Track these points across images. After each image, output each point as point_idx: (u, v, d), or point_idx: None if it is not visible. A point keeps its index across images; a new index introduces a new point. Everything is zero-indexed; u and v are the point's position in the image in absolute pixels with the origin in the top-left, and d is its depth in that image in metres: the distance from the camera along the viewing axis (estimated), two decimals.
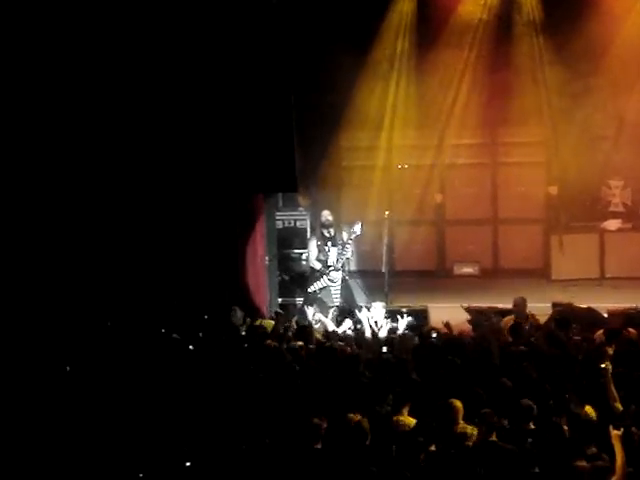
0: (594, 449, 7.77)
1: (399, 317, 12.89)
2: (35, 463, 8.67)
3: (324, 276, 14.70)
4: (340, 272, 14.68)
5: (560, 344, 10.51)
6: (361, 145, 18.92)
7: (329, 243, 14.70)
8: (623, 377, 9.22)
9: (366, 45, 17.88)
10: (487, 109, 18.17)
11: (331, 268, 14.65)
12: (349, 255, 14.86)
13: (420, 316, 14.12)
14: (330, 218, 14.88)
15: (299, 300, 15.78)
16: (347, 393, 9.28)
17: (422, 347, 10.96)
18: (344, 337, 12.01)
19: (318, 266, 14.74)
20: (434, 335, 11.63)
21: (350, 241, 14.60)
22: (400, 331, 12.41)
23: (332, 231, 14.81)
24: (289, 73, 14.96)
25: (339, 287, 14.67)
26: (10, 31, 13.25)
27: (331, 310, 14.38)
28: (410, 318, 12.88)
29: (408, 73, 18.42)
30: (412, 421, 8.67)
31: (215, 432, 8.86)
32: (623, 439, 7.70)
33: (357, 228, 14.52)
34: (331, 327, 12.86)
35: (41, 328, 12.43)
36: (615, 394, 8.78)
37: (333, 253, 14.67)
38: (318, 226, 15.05)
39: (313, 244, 14.92)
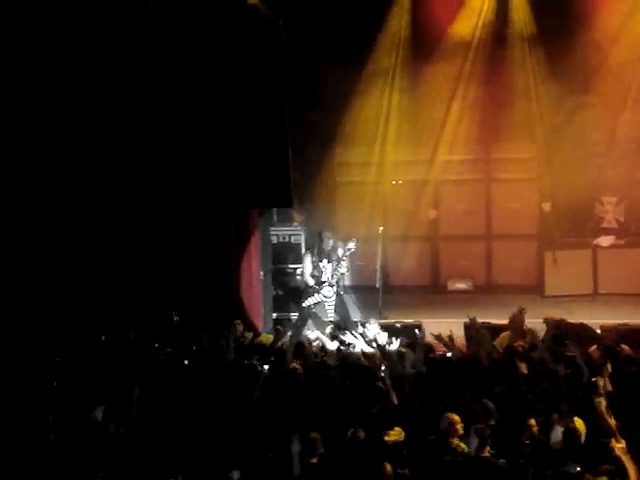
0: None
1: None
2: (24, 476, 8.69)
3: (319, 293, 14.69)
4: (334, 288, 14.69)
5: (568, 360, 10.54)
6: (355, 161, 18.99)
7: (324, 259, 14.71)
8: (620, 394, 9.29)
9: (360, 61, 17.96)
10: (481, 125, 18.26)
11: (325, 284, 14.65)
12: (344, 271, 14.85)
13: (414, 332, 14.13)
14: (331, 242, 14.84)
15: (293, 315, 15.82)
16: (347, 410, 9.33)
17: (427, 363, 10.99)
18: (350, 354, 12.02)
19: (312, 282, 14.74)
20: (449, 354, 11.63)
21: (345, 258, 14.61)
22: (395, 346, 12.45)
23: (328, 247, 14.81)
24: (284, 89, 15.00)
25: (333, 303, 14.67)
26: (10, 32, 13.23)
27: (326, 326, 14.39)
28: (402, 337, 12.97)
29: (402, 89, 18.49)
30: (401, 436, 8.72)
31: (208, 446, 8.86)
32: (629, 451, 7.77)
33: (352, 245, 14.53)
34: (329, 345, 12.89)
35: (34, 341, 12.42)
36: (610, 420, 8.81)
37: (328, 269, 14.68)
38: (316, 242, 14.99)
39: (308, 260, 14.91)
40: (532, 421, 8.65)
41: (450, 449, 8.32)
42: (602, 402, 8.74)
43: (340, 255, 14.60)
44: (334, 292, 14.65)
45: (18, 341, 12.43)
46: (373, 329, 13.49)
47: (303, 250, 16.34)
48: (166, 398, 10.01)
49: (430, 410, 9.17)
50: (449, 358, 11.20)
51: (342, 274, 14.88)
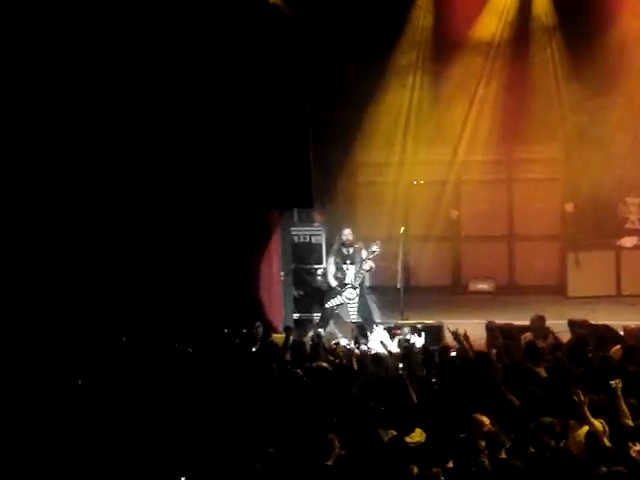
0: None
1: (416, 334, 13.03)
2: (40, 471, 8.73)
3: (342, 294, 14.64)
4: (357, 290, 14.62)
5: (585, 361, 10.49)
6: (377, 161, 18.96)
7: (347, 261, 14.66)
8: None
9: (382, 61, 17.95)
10: (503, 125, 18.18)
11: (348, 286, 14.61)
12: (368, 268, 14.70)
13: (435, 332, 14.14)
14: (351, 237, 14.76)
15: (314, 315, 15.78)
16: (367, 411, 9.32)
17: (440, 364, 10.97)
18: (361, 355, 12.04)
19: (335, 283, 14.70)
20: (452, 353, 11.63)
21: (369, 260, 14.52)
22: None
23: (351, 250, 14.75)
24: (305, 89, 15.02)
25: (356, 304, 14.61)
26: (12, 32, 13.27)
27: (349, 327, 14.35)
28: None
29: (424, 89, 18.48)
30: (423, 437, 8.69)
31: (224, 446, 8.86)
32: None
33: (376, 247, 14.49)
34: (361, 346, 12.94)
35: (56, 341, 12.48)
36: (626, 410, 8.76)
37: (351, 271, 14.63)
38: (338, 244, 14.93)
39: (331, 261, 14.86)
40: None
41: (478, 450, 8.25)
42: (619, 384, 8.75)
43: (364, 257, 14.54)
44: (357, 294, 14.60)
45: (41, 341, 12.51)
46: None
47: (324, 250, 16.34)
48: (186, 398, 10.02)
49: (451, 411, 9.15)
50: (453, 360, 11.19)
51: (367, 271, 14.76)
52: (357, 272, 14.58)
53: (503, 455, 8.14)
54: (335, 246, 15.00)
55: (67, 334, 12.84)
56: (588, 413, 8.44)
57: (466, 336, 11.55)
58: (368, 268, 14.69)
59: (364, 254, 14.61)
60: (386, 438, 8.63)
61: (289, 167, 14.82)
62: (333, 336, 14.14)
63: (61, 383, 10.66)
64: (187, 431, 9.27)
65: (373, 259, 14.64)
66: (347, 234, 14.81)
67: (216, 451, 8.81)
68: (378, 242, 14.61)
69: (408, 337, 13.46)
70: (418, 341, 13.00)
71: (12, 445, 9.03)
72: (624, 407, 8.74)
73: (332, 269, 14.81)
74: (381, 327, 14.06)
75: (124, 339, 12.58)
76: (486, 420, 8.56)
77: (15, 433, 9.25)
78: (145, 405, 9.91)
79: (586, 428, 8.39)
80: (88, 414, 9.73)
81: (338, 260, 14.75)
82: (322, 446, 8.40)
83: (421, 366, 10.99)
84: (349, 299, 14.60)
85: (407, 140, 18.65)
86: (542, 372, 10.36)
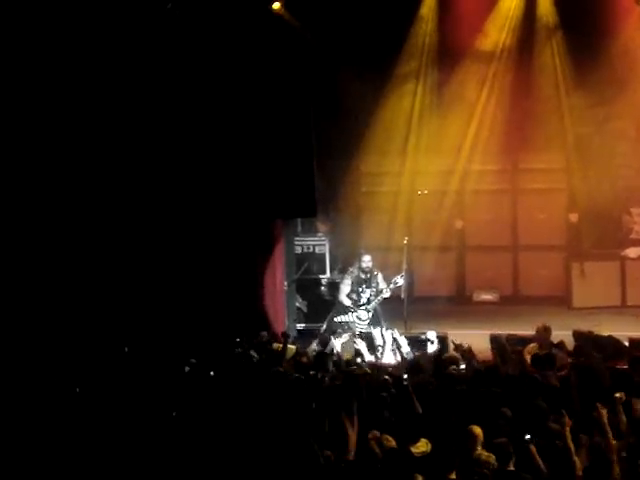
0: None
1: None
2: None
3: (353, 313, 14.53)
4: (370, 313, 14.46)
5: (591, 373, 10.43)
6: (381, 170, 18.90)
7: (364, 285, 14.56)
8: None
9: (387, 70, 17.91)
10: (508, 135, 18.14)
11: (362, 308, 14.50)
12: (387, 296, 14.58)
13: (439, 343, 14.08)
14: (370, 265, 14.63)
15: (318, 325, 15.67)
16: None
17: (442, 376, 10.91)
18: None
19: (348, 303, 14.58)
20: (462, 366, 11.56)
21: (388, 291, 14.40)
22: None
23: (369, 275, 14.63)
24: (309, 99, 15.00)
25: (365, 325, 14.46)
26: (13, 32, 13.27)
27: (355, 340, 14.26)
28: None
29: (429, 98, 18.42)
30: (428, 448, 8.62)
31: (227, 458, 8.81)
32: None
33: (399, 280, 14.41)
34: (366, 355, 12.91)
35: (58, 351, 12.45)
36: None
37: (366, 294, 14.51)
38: (357, 269, 14.80)
39: (347, 282, 14.72)
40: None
41: (476, 461, 8.17)
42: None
43: (383, 287, 14.40)
44: (368, 317, 14.46)
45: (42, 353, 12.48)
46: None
47: (327, 260, 16.26)
48: (187, 409, 9.97)
49: (453, 422, 9.09)
50: (454, 374, 11.14)
51: (383, 298, 14.63)
52: (373, 297, 14.45)
53: (511, 467, 8.05)
54: (354, 271, 14.80)
55: (70, 345, 12.82)
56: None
57: (470, 350, 11.54)
58: (387, 297, 14.57)
59: (380, 279, 14.48)
60: (387, 445, 8.56)
61: (293, 176, 14.81)
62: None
63: (62, 392, 10.62)
64: (188, 442, 9.22)
65: (393, 290, 14.53)
66: (367, 262, 14.67)
67: (216, 461, 8.78)
68: (403, 274, 14.54)
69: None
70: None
71: (8, 454, 9.00)
72: (624, 420, 8.65)
73: (346, 289, 14.71)
74: (402, 335, 14.02)
75: (126, 349, 12.55)
76: (479, 431, 8.48)
77: (12, 441, 9.21)
78: (146, 415, 9.85)
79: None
80: (88, 423, 9.67)
81: (355, 283, 14.65)
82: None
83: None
84: (359, 319, 14.47)
85: (411, 149, 18.58)
86: (554, 380, 10.28)
